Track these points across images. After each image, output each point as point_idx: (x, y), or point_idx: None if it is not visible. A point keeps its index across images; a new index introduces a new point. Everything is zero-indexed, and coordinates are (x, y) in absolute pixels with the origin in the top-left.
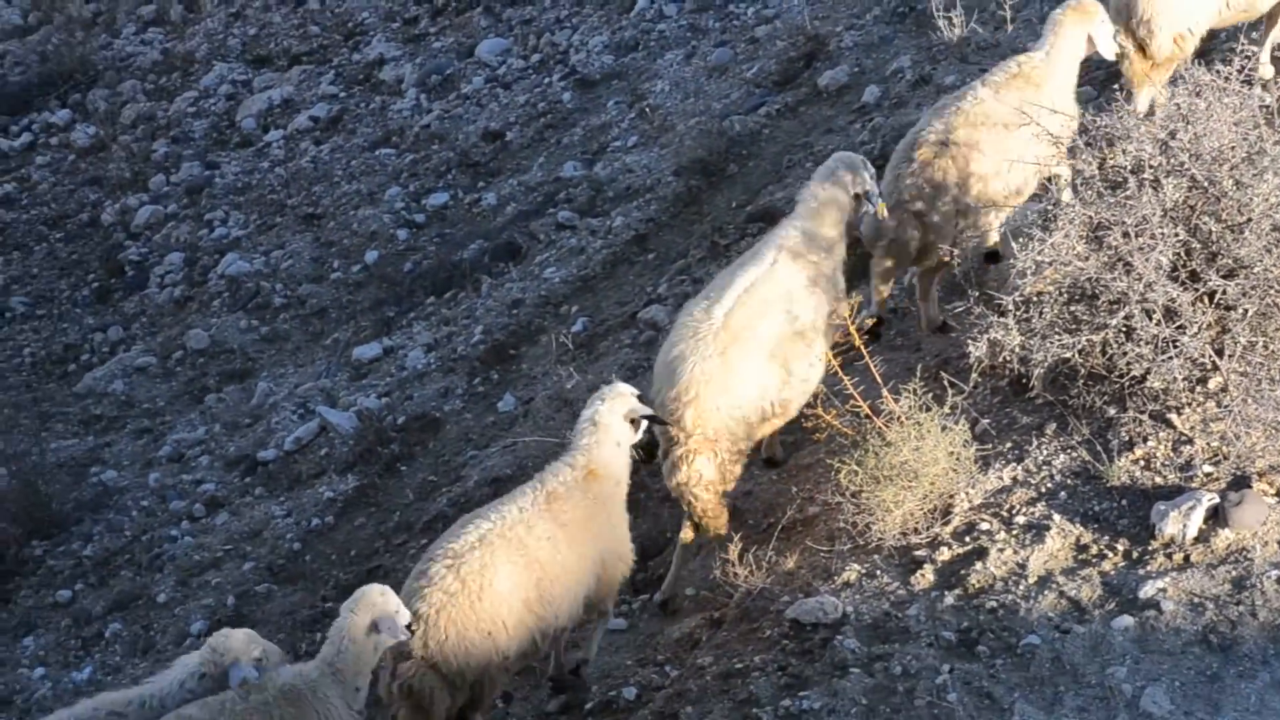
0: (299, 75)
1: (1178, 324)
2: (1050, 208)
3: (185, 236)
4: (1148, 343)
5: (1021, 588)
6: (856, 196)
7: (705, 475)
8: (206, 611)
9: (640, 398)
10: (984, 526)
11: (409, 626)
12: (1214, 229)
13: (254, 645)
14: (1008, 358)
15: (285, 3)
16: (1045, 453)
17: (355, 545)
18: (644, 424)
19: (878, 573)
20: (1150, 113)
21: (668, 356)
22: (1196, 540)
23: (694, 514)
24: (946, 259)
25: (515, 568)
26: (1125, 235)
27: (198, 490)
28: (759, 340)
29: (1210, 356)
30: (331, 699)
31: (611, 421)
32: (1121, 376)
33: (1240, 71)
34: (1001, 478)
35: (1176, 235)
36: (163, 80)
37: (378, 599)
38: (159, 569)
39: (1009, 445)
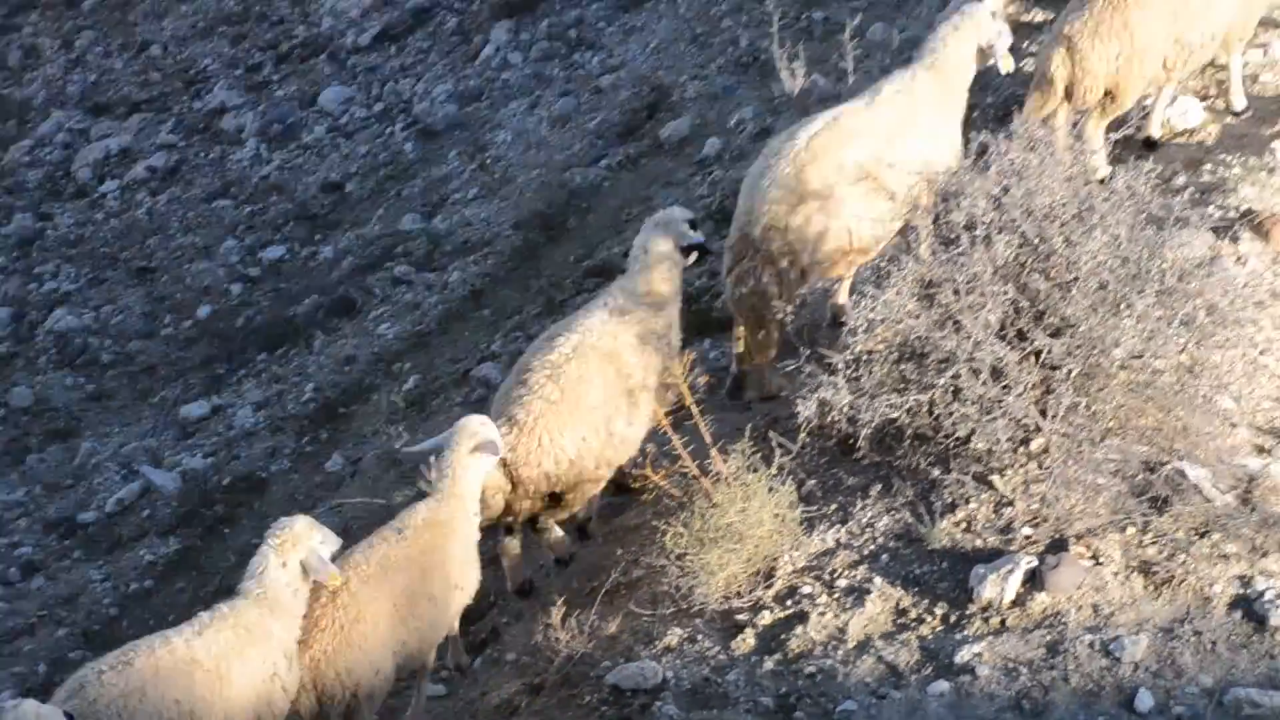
0: (138, 124)
1: (1004, 383)
2: (883, 264)
3: (14, 291)
4: (974, 403)
5: (840, 653)
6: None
7: (769, 291)
8: (17, 680)
9: (692, 224)
10: (806, 590)
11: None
12: (1043, 287)
13: (314, 530)
14: (836, 417)
15: (127, 49)
16: (869, 514)
17: (174, 610)
18: (694, 254)
19: (699, 637)
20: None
21: (754, 171)
22: (1013, 604)
23: (748, 329)
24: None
25: (607, 377)
26: (956, 293)
27: (14, 554)
28: (840, 167)
29: (1034, 417)
30: (458, 524)
31: (664, 249)
32: (947, 437)
33: (1073, 127)
34: (825, 540)
35: (1006, 293)
36: None
37: (477, 427)
38: None
39: (834, 507)
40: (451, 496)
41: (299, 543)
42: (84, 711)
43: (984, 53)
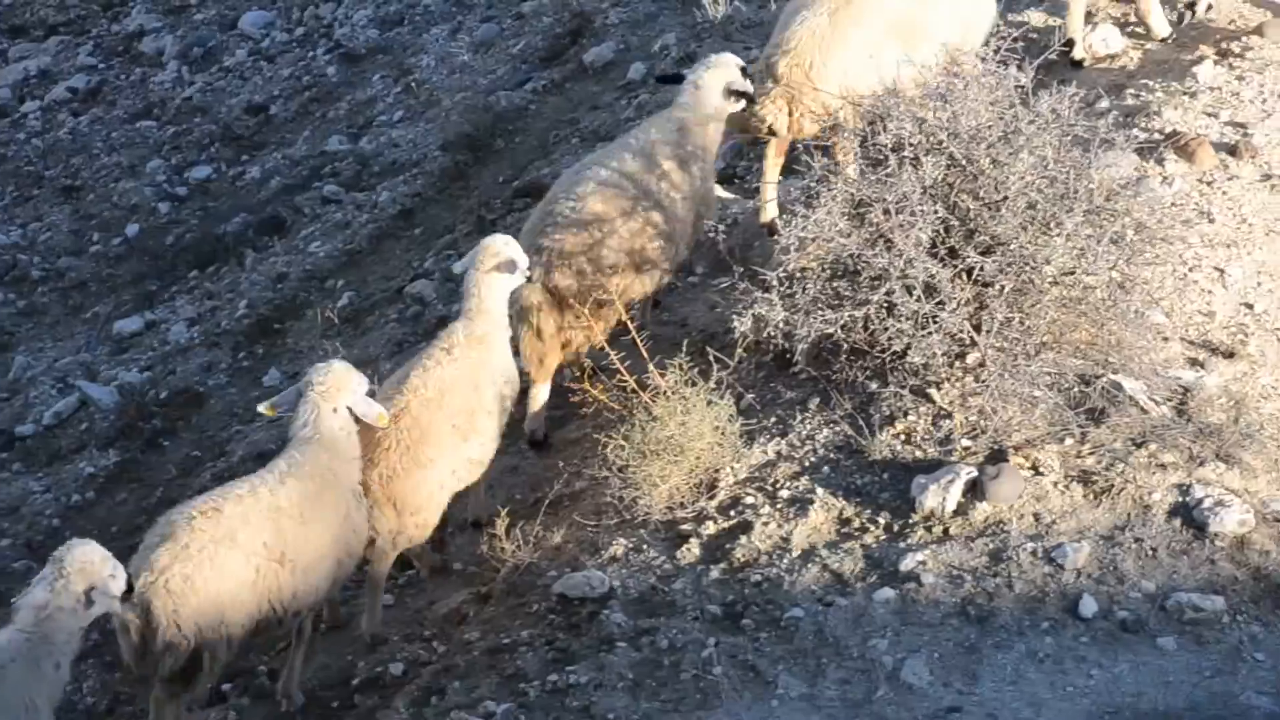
0: (56, 46)
1: (937, 300)
2: (813, 184)
3: None
4: (908, 318)
5: (785, 561)
6: None
7: (776, 122)
8: None
9: (743, 69)
10: (749, 500)
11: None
12: (972, 206)
13: (353, 372)
14: (772, 333)
15: None
16: (809, 427)
17: (117, 521)
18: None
19: (644, 547)
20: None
21: (790, 7)
22: (955, 513)
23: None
24: None
25: (639, 203)
26: (886, 212)
27: None
28: (877, 12)
29: (969, 332)
30: (494, 339)
31: (710, 91)
32: (883, 352)
33: (996, 52)
34: (766, 452)
35: (936, 212)
36: None
37: (500, 247)
38: None
39: (773, 420)
40: (480, 313)
41: (343, 387)
42: (176, 555)
43: None
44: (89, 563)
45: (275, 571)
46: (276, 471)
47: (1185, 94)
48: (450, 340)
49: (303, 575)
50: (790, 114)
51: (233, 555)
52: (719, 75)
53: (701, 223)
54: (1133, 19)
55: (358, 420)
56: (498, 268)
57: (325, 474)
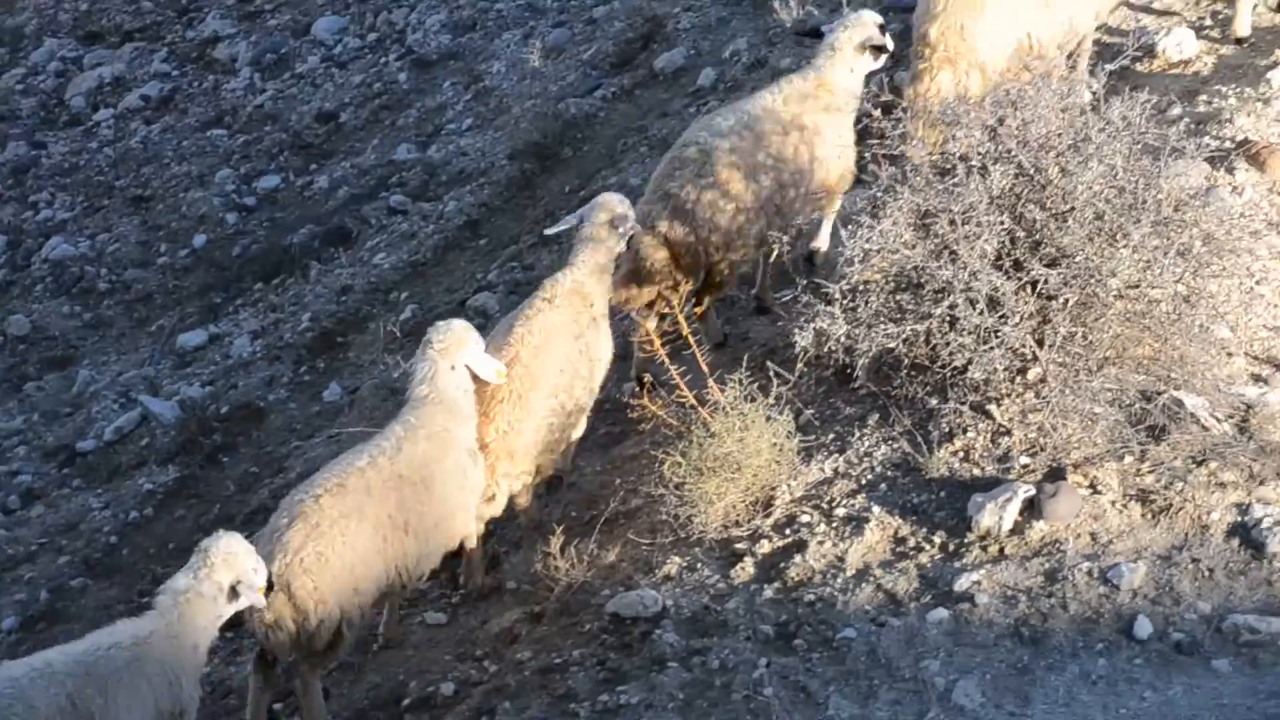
0: (131, 52)
1: (1000, 313)
2: (879, 195)
3: (9, 219)
4: (970, 333)
5: (839, 580)
6: None
7: (944, 89)
8: (19, 607)
9: (882, 27)
10: (804, 519)
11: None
12: (1039, 217)
13: (471, 331)
14: (833, 347)
15: None
16: (867, 444)
17: (174, 538)
18: (882, 55)
19: (698, 566)
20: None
21: None
22: (1012, 532)
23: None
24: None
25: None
26: (952, 223)
27: (13, 482)
28: None
29: (1031, 346)
30: (598, 297)
31: (846, 49)
32: (944, 367)
33: (1068, 59)
34: (823, 469)
35: (1002, 223)
36: None
37: (616, 204)
38: None
39: (831, 436)
40: (590, 266)
41: (462, 345)
42: (308, 534)
43: None
44: (233, 555)
45: (400, 539)
46: (394, 438)
47: (1259, 100)
48: (553, 290)
49: (426, 539)
50: (955, 77)
51: (361, 528)
52: (855, 33)
53: (843, 182)
54: (1208, 22)
55: (475, 379)
56: (612, 223)
57: (443, 436)
